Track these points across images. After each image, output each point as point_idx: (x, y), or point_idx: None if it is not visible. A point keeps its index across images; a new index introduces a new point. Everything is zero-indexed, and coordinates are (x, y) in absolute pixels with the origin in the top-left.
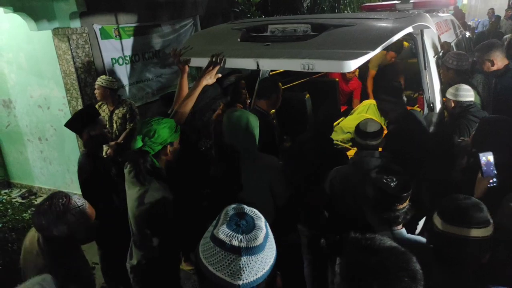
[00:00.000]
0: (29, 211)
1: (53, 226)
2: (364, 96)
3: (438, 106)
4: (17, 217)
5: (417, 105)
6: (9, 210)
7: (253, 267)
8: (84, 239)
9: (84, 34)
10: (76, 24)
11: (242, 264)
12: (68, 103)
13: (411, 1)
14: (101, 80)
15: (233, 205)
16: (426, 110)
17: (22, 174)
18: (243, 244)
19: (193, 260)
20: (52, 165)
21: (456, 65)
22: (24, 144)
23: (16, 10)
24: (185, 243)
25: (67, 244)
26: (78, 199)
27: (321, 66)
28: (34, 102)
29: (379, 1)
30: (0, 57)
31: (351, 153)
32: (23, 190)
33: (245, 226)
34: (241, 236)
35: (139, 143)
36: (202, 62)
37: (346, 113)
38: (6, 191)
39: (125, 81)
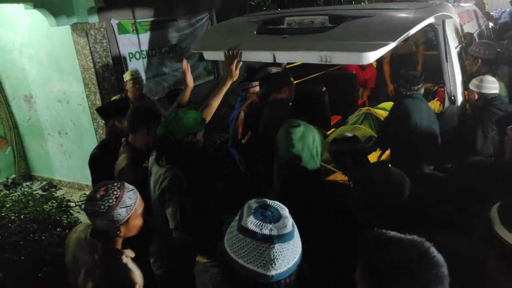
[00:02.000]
0: (49, 203)
1: (98, 217)
2: (380, 83)
3: (460, 99)
4: (38, 209)
5: (436, 98)
6: (30, 202)
7: (285, 255)
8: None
9: (102, 29)
10: (94, 19)
11: (276, 253)
12: (87, 97)
13: None
14: (132, 74)
15: (254, 199)
16: (447, 103)
17: (43, 167)
18: (274, 232)
19: (217, 256)
20: (72, 159)
21: (483, 53)
22: (44, 138)
23: (36, 6)
24: (201, 232)
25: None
26: (130, 198)
27: (339, 58)
28: (54, 97)
29: None
30: (21, 53)
31: (336, 176)
32: (44, 183)
33: (272, 216)
34: (271, 225)
35: (162, 129)
36: (218, 55)
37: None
38: (28, 183)
39: (142, 75)
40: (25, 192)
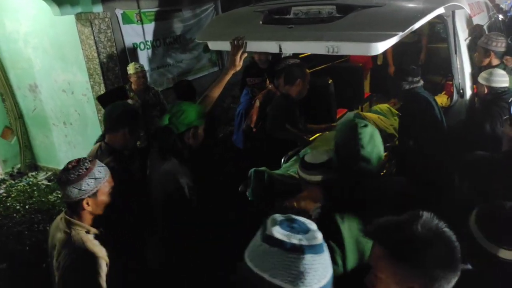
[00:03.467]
0: (54, 194)
1: (68, 185)
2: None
3: (468, 92)
4: (43, 199)
5: (444, 92)
6: (35, 192)
7: (317, 270)
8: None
9: (106, 19)
10: (98, 9)
11: (306, 265)
12: (91, 88)
13: None
14: (135, 68)
15: (276, 214)
16: (455, 96)
17: (48, 157)
18: (304, 242)
19: (236, 274)
20: (76, 149)
21: (494, 46)
22: (49, 128)
23: None
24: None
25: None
26: (100, 172)
27: (347, 48)
28: (59, 86)
29: None
30: (26, 42)
31: None
32: (49, 173)
33: (299, 227)
34: (300, 236)
35: (165, 121)
36: (223, 45)
37: (370, 101)
38: (33, 173)
39: (146, 66)
40: (30, 182)
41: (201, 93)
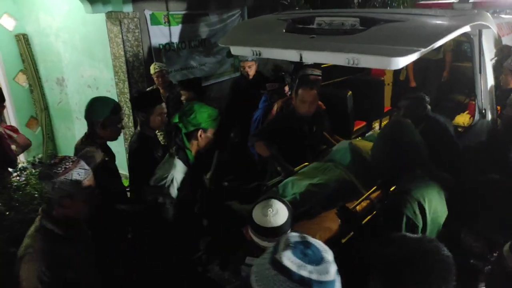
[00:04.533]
0: None
1: (46, 180)
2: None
3: (491, 113)
4: None
5: (467, 111)
6: None
7: None
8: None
9: (135, 19)
10: (128, 8)
11: None
12: (116, 85)
13: (470, 1)
14: (157, 65)
15: (294, 233)
16: (477, 116)
17: (69, 149)
18: (314, 276)
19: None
20: None
21: None
22: (72, 121)
23: None
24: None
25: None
26: (79, 174)
27: (367, 61)
28: (85, 81)
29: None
30: (57, 37)
31: None
32: None
33: (312, 256)
34: (311, 267)
35: (175, 119)
36: (245, 51)
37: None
38: None
39: (170, 67)
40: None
41: (219, 97)
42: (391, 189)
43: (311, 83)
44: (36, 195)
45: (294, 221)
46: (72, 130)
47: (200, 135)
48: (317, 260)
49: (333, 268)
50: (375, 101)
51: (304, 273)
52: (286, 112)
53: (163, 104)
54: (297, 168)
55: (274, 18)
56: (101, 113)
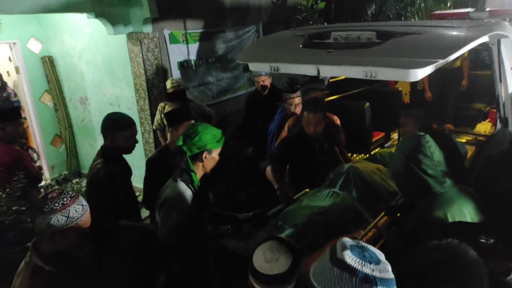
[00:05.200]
0: None
1: (54, 213)
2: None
3: None
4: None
5: (488, 120)
6: None
7: None
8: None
9: (155, 39)
10: (148, 29)
11: None
12: (137, 102)
13: (486, 10)
14: (175, 81)
15: (346, 238)
16: (498, 125)
17: None
18: (377, 274)
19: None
20: None
21: None
22: (95, 138)
23: (97, 15)
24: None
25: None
26: (76, 211)
27: (385, 74)
28: (107, 100)
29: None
30: (80, 58)
31: None
32: None
33: (370, 257)
34: (372, 266)
35: (179, 142)
36: (263, 67)
37: None
38: (77, 180)
39: (188, 83)
40: (75, 189)
41: (236, 111)
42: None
43: (314, 106)
44: None
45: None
46: (95, 147)
47: (205, 157)
48: (375, 260)
49: (390, 268)
50: (393, 112)
51: (368, 271)
52: (296, 131)
53: (192, 121)
54: (297, 195)
55: (290, 34)
56: (113, 127)
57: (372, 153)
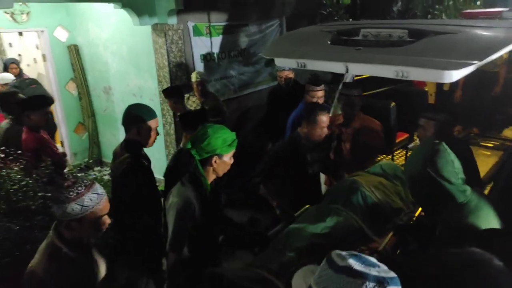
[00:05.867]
0: None
1: (69, 203)
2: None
3: None
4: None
5: None
6: None
7: None
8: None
9: (179, 31)
10: (173, 20)
11: None
12: (159, 93)
13: None
14: (199, 75)
15: (336, 251)
16: None
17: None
18: (383, 274)
19: None
20: None
21: None
22: (117, 128)
23: (123, 5)
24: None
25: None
26: (91, 199)
27: (417, 74)
28: (130, 90)
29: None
30: (105, 48)
31: None
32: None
33: (368, 262)
34: (376, 268)
35: (188, 144)
36: (289, 62)
37: None
38: (99, 168)
39: (210, 76)
40: (98, 178)
41: (258, 105)
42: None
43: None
44: None
45: None
46: (117, 136)
47: (215, 161)
48: (373, 264)
49: (389, 269)
50: (417, 112)
51: (375, 273)
52: (288, 141)
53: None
54: (298, 213)
55: (318, 30)
56: (135, 120)
57: (372, 166)
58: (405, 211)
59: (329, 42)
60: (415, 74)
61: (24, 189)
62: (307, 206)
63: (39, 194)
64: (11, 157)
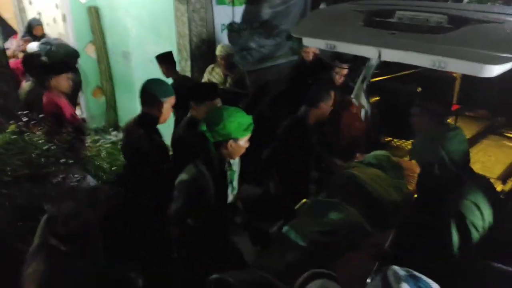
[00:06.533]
0: None
1: (63, 199)
2: None
3: None
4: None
5: None
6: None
7: None
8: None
9: None
10: None
11: None
12: (178, 63)
13: None
14: (227, 48)
15: (396, 267)
16: None
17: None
18: None
19: None
20: None
21: None
22: (134, 93)
23: None
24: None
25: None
26: (93, 180)
27: (455, 66)
28: (148, 57)
29: None
30: (126, 12)
31: None
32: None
33: (426, 285)
34: None
35: (203, 126)
36: (318, 43)
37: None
38: (114, 132)
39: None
40: (114, 141)
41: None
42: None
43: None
44: (105, 167)
45: None
46: (133, 101)
47: (231, 145)
48: None
49: None
50: (442, 99)
51: None
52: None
53: (216, 101)
54: (297, 206)
55: (349, 9)
56: (150, 97)
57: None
58: (402, 204)
59: (361, 23)
60: (452, 65)
61: (46, 154)
62: (304, 200)
63: (61, 160)
64: (33, 121)
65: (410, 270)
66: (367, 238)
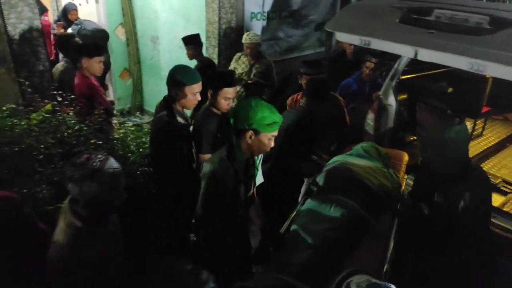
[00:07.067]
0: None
1: (85, 181)
2: None
3: None
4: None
5: None
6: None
7: None
8: (112, 203)
9: None
10: None
11: None
12: (206, 49)
13: None
14: (253, 37)
15: (359, 275)
16: None
17: (154, 103)
18: None
19: None
20: None
21: None
22: (160, 77)
23: None
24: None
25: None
26: (115, 162)
27: (494, 70)
28: (177, 42)
29: None
30: None
31: None
32: (152, 118)
33: None
34: None
35: (232, 113)
36: (351, 39)
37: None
38: (139, 115)
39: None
40: (136, 123)
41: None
42: None
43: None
44: (133, 149)
45: None
46: (159, 86)
47: (250, 137)
48: None
49: None
50: (473, 99)
51: None
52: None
53: (231, 89)
54: (298, 205)
55: (387, 5)
56: (177, 84)
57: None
58: (400, 196)
59: (398, 20)
60: (492, 69)
61: (78, 133)
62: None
63: (92, 141)
64: (66, 102)
65: (371, 278)
66: (371, 232)
